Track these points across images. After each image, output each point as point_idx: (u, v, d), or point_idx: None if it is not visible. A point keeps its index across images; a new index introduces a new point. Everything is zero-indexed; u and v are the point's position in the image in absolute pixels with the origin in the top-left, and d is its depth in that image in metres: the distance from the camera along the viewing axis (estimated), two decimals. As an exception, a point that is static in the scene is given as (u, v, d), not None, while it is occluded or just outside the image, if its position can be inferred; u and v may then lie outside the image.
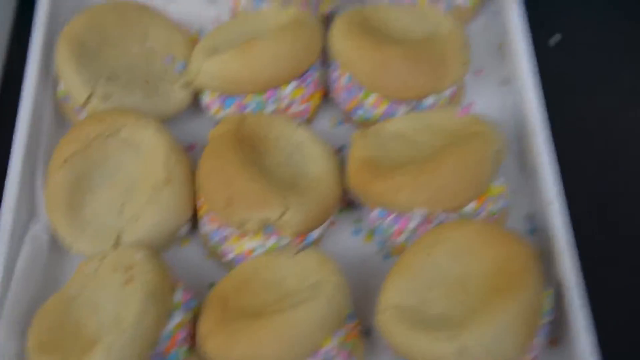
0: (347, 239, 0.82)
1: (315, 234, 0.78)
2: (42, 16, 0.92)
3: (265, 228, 0.75)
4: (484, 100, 0.90)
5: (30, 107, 0.85)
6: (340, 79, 0.85)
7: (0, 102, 0.94)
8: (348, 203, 0.83)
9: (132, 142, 0.81)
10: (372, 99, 0.83)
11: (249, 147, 0.78)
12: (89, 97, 0.83)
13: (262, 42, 0.82)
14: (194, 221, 0.82)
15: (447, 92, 0.84)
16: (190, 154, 0.88)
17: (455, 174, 0.72)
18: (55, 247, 0.82)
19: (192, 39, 0.95)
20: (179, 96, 0.87)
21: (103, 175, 0.80)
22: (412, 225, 0.75)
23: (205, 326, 0.71)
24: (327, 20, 0.93)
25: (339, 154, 0.87)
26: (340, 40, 0.83)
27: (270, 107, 0.84)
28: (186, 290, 0.75)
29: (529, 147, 0.83)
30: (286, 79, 0.83)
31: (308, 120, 0.88)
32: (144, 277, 0.71)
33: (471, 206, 0.74)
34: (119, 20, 0.89)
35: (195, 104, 0.90)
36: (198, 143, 0.89)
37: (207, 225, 0.79)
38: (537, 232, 0.81)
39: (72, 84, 0.84)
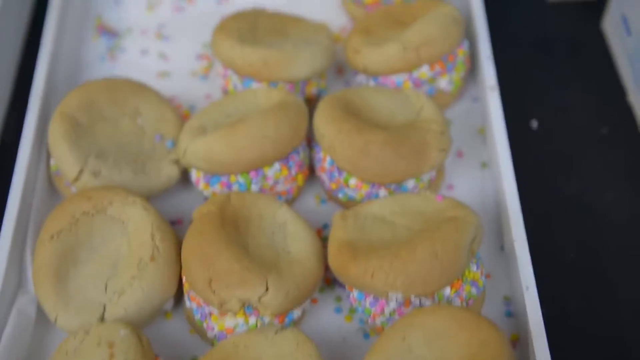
0: (328, 317, 0.83)
1: (296, 312, 0.79)
2: (38, 90, 0.95)
3: (245, 308, 0.76)
4: (464, 183, 0.91)
5: (22, 180, 0.87)
6: (324, 161, 0.87)
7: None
8: (331, 281, 0.85)
9: (119, 219, 0.83)
10: (353, 181, 0.85)
11: (232, 226, 0.80)
12: (79, 174, 0.85)
13: (247, 125, 0.84)
14: (179, 295, 0.83)
15: (427, 176, 0.86)
16: (177, 228, 0.90)
17: (429, 261, 0.73)
18: (42, 320, 0.83)
19: (184, 115, 0.98)
20: (167, 173, 0.89)
21: (89, 251, 0.82)
22: (389, 308, 0.76)
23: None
24: (313, 101, 0.95)
25: (323, 232, 0.89)
26: (323, 124, 0.85)
27: (255, 187, 0.86)
28: (167, 368, 0.76)
29: (507, 232, 0.84)
30: (270, 160, 0.84)
31: (292, 199, 0.90)
32: (125, 355, 0.72)
33: (447, 291, 0.75)
34: (111, 97, 0.91)
35: (185, 177, 0.92)
36: (186, 217, 0.91)
37: (190, 301, 0.80)
38: (514, 315, 0.82)
39: (64, 161, 0.86)
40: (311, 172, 0.92)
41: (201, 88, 1.01)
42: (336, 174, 0.86)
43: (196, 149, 0.85)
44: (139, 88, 0.94)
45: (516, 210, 0.83)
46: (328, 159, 0.86)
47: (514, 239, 0.81)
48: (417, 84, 0.92)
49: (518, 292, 0.80)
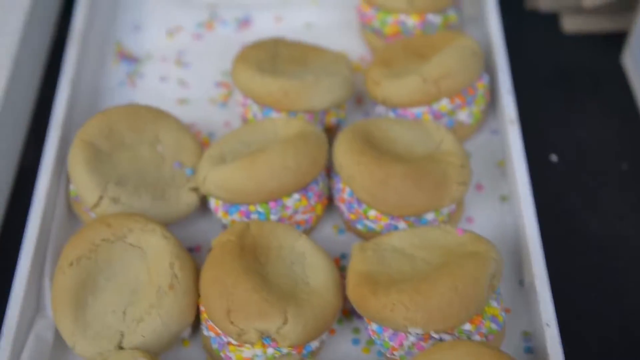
0: (346, 348, 0.83)
1: (314, 343, 0.79)
2: (58, 115, 0.95)
3: (264, 339, 0.76)
4: (483, 216, 0.91)
5: (42, 205, 0.88)
6: (343, 191, 0.87)
7: (14, 198, 0.97)
8: (348, 312, 0.85)
9: (138, 246, 0.83)
10: (373, 213, 0.85)
11: (251, 256, 0.80)
12: (99, 200, 0.86)
13: (267, 155, 0.84)
14: (197, 322, 0.83)
15: (447, 209, 0.85)
16: (196, 255, 0.90)
17: (449, 296, 0.73)
18: (59, 345, 0.83)
19: (203, 142, 0.99)
20: (186, 200, 0.89)
21: (108, 278, 0.82)
22: (408, 342, 0.76)
23: None
24: (333, 131, 0.96)
25: (341, 261, 0.89)
26: (342, 155, 0.85)
27: (274, 216, 0.86)
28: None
29: (526, 267, 0.84)
30: (290, 191, 0.84)
31: (311, 228, 0.90)
32: (142, 384, 0.73)
33: (466, 327, 0.75)
34: (131, 123, 0.92)
35: (204, 204, 0.92)
36: (204, 244, 0.91)
37: (208, 330, 0.80)
38: (534, 351, 0.81)
39: (83, 187, 0.86)
40: (330, 201, 0.92)
41: (220, 115, 1.02)
42: (355, 205, 0.86)
43: (215, 178, 0.85)
44: (158, 115, 0.94)
45: (536, 245, 0.82)
46: (347, 189, 0.86)
47: (534, 275, 0.80)
48: (437, 116, 0.92)
49: (538, 328, 0.79)
